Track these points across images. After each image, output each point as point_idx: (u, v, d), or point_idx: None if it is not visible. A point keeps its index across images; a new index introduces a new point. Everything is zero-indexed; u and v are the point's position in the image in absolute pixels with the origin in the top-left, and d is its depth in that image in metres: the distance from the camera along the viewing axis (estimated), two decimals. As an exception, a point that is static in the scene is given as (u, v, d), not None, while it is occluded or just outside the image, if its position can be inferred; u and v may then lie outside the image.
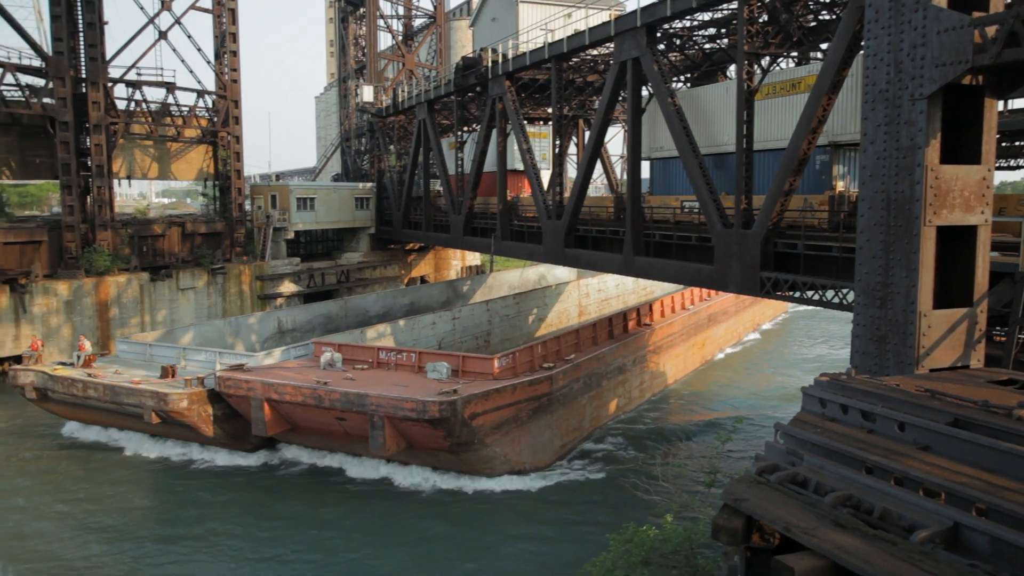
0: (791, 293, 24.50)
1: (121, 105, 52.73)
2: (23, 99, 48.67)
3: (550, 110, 43.54)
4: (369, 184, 66.59)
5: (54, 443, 36.29)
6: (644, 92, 31.86)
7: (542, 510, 29.59)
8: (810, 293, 23.88)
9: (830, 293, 22.96)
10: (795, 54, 30.61)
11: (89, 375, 34.43)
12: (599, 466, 33.92)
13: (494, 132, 43.75)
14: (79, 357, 36.87)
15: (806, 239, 23.78)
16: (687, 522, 19.60)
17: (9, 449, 35.56)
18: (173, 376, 34.09)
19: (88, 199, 50.10)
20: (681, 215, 31.70)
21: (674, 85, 35.53)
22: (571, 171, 52.22)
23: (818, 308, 26.12)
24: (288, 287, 58.15)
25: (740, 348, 58.43)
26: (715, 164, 31.00)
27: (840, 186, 27.20)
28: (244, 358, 35.18)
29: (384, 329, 42.43)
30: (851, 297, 20.20)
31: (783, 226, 24.79)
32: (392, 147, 65.93)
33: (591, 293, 62.35)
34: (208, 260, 53.98)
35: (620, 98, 34.76)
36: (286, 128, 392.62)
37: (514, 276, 67.10)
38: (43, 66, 48.56)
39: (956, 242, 15.46)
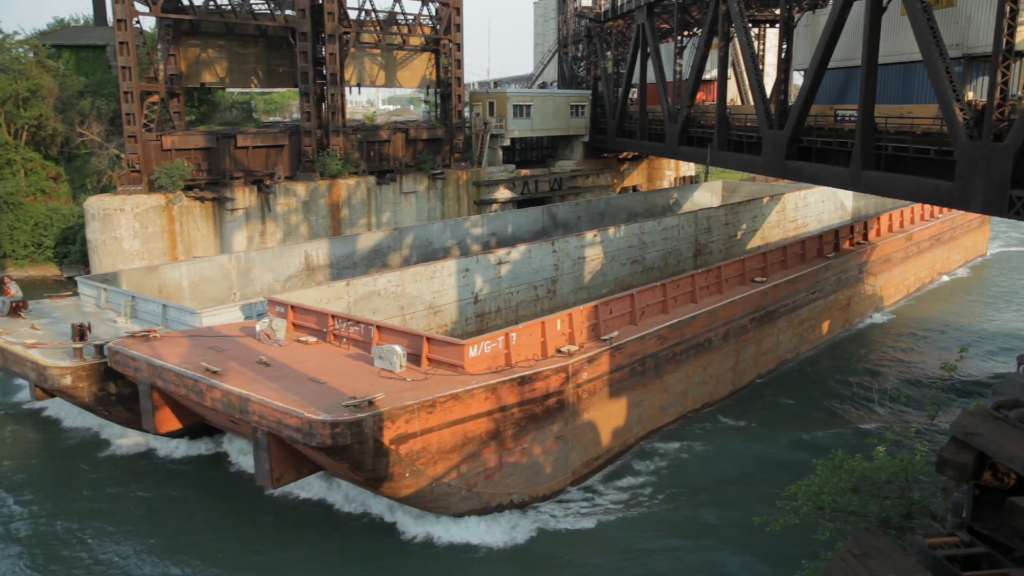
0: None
1: (352, 16, 55.41)
2: (268, 12, 52.58)
3: (778, 11, 40.65)
4: (584, 91, 66.18)
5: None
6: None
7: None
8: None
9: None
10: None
11: None
12: (626, 492, 26.40)
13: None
14: (4, 303, 30.81)
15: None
16: (903, 453, 18.75)
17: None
18: (83, 338, 26.91)
19: (323, 106, 53.63)
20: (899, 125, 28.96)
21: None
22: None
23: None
24: (503, 193, 59.74)
25: (907, 303, 50.48)
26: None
27: (970, 95, 26.56)
28: (188, 314, 27.99)
29: (390, 278, 32.21)
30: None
31: None
32: (609, 53, 64.77)
33: (713, 228, 48.81)
34: (429, 165, 56.44)
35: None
36: (505, 35, 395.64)
37: (636, 200, 57.63)
38: (285, -21, 51.97)
39: None
